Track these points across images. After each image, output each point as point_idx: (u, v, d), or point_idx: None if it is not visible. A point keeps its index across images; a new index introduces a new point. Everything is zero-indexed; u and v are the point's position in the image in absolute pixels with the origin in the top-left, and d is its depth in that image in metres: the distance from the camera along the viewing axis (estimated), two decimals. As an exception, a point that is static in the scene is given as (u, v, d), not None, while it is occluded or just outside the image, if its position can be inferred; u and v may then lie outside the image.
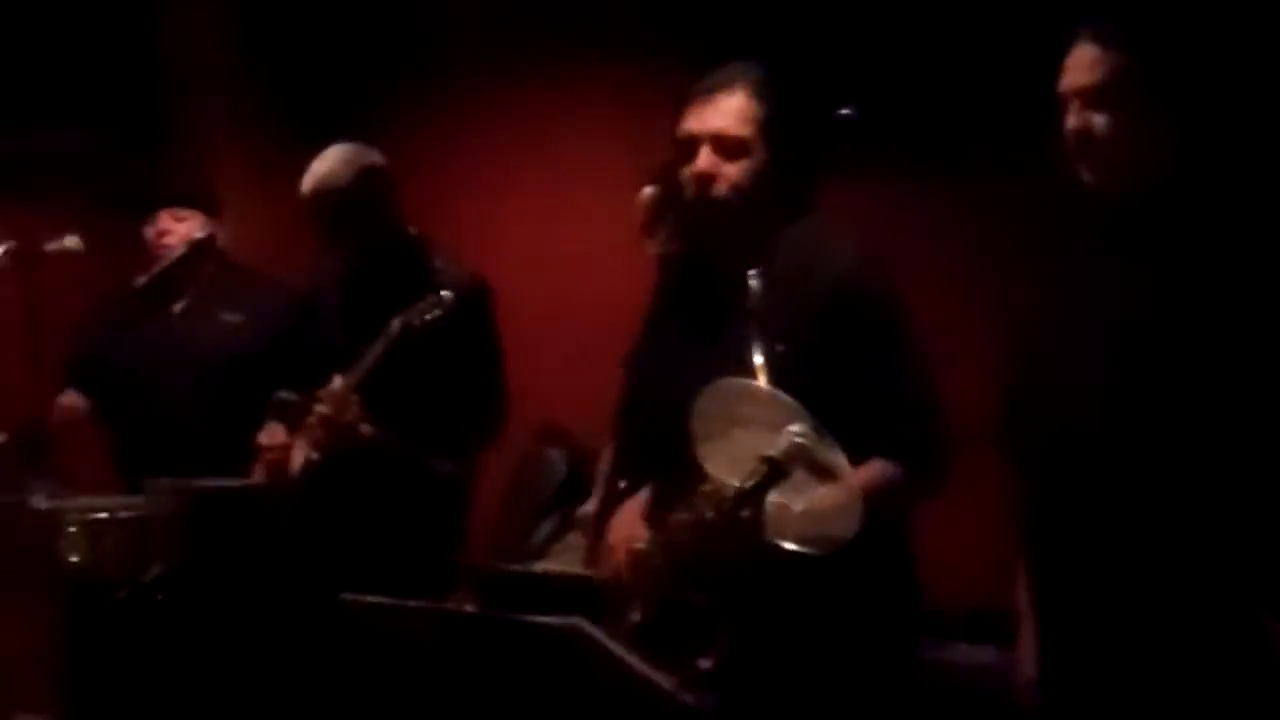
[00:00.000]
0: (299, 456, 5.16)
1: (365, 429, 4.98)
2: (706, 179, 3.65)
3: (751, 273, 3.50)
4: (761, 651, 3.45)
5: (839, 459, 3.17)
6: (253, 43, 7.31)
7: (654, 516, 3.71)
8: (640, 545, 3.65)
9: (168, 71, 7.41)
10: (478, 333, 5.20)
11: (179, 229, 5.86)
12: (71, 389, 5.95)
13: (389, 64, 7.14)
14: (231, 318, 5.81)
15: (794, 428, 3.14)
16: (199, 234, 5.82)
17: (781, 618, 3.49)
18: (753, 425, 3.20)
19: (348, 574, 4.17)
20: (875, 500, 3.28)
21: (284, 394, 5.24)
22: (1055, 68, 3.34)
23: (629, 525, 3.79)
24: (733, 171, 3.65)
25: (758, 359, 3.34)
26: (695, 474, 3.33)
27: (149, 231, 5.88)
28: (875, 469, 3.47)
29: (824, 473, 3.18)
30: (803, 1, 5.96)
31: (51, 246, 5.68)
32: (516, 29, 6.84)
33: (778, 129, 3.64)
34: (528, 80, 6.84)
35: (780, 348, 3.40)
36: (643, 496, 3.87)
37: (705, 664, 3.23)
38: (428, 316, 4.93)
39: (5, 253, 5.57)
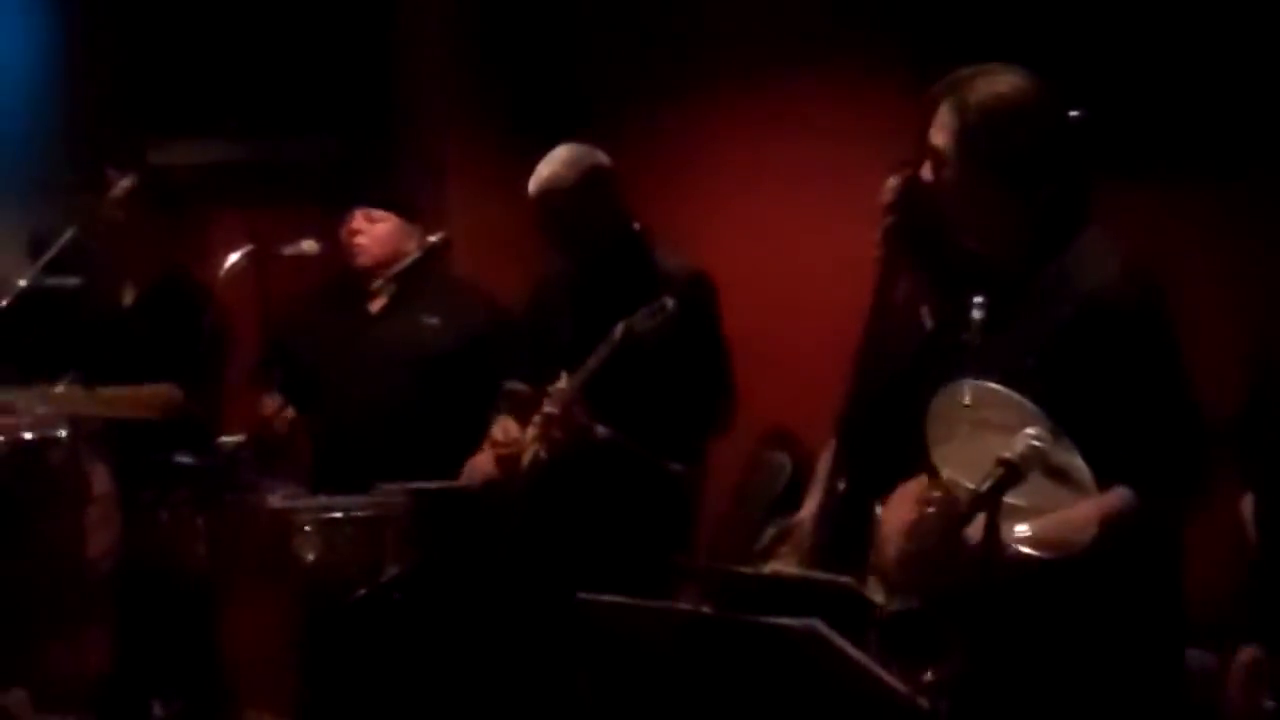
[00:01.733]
0: (529, 453, 5.20)
1: (601, 430, 5.02)
2: (924, 188, 3.64)
3: (976, 300, 3.47)
4: (1003, 659, 3.41)
5: (1076, 462, 3.14)
6: (483, 51, 7.38)
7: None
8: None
9: (401, 79, 7.51)
10: (702, 326, 5.22)
11: (372, 229, 5.89)
12: (268, 390, 5.99)
13: (615, 68, 7.17)
14: (430, 320, 5.85)
15: (1031, 430, 3.11)
16: (433, 238, 5.87)
17: (1025, 624, 3.43)
18: (989, 427, 3.18)
19: (578, 572, 4.21)
20: (1112, 530, 3.22)
21: (514, 385, 5.30)
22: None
23: (903, 512, 3.72)
24: (941, 183, 3.61)
25: (965, 398, 3.29)
26: (930, 476, 3.33)
27: (342, 231, 5.93)
28: (1114, 497, 3.36)
29: (1061, 476, 3.14)
30: (1038, 9, 5.86)
31: (289, 250, 5.77)
32: (740, 33, 6.84)
33: (969, 138, 3.54)
34: (751, 83, 6.83)
35: (1030, 362, 3.34)
36: (920, 481, 3.78)
37: (928, 676, 3.20)
38: (650, 323, 4.95)
39: (243, 256, 5.67)
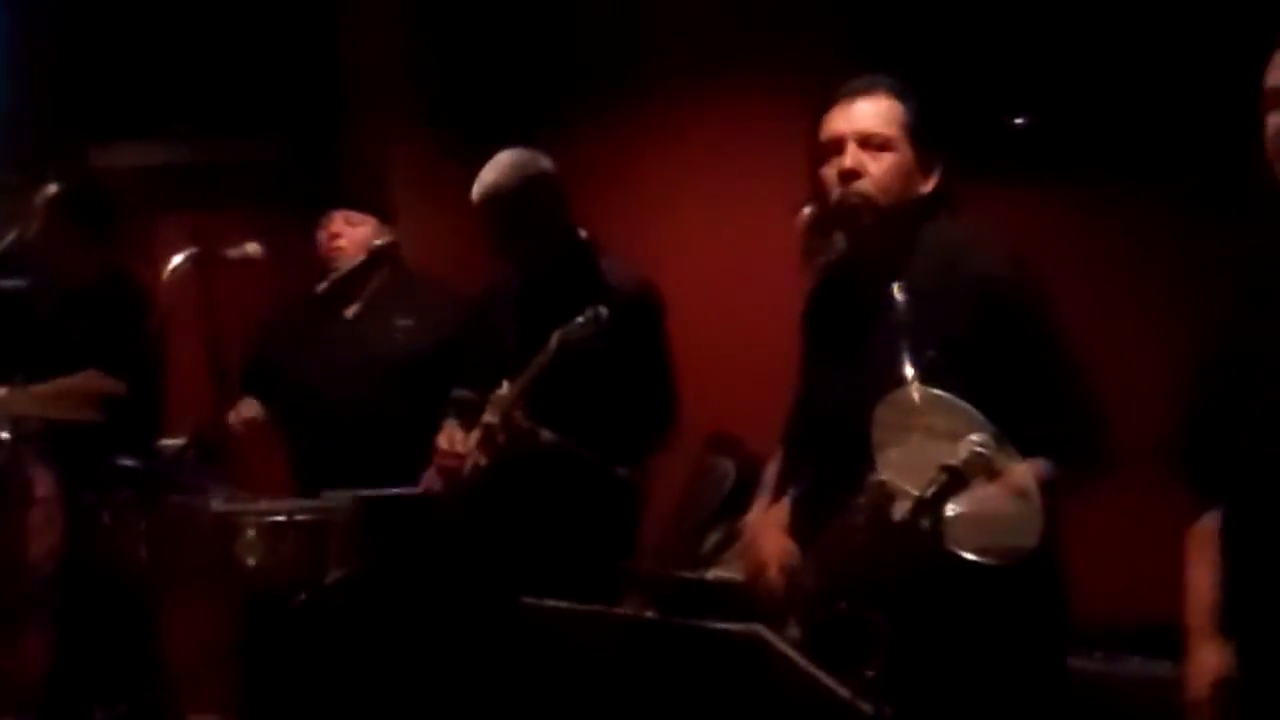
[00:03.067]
0: (469, 460, 5.19)
1: (545, 435, 5.02)
2: (852, 174, 3.71)
3: (896, 285, 3.51)
4: (927, 660, 3.45)
5: (1020, 468, 3.16)
6: (429, 53, 7.38)
7: (806, 528, 3.74)
8: (792, 563, 3.68)
9: (347, 81, 7.51)
10: (645, 338, 5.20)
11: (351, 233, 5.88)
12: (249, 395, 6.00)
13: (563, 74, 7.17)
14: (404, 322, 5.84)
15: (974, 437, 3.12)
16: (378, 241, 5.86)
17: (945, 626, 3.49)
18: (932, 434, 3.20)
19: (522, 578, 4.21)
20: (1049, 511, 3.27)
21: (462, 393, 5.29)
22: (1240, 70, 3.30)
23: (776, 540, 3.83)
24: (877, 168, 3.70)
25: (908, 370, 3.34)
26: (855, 482, 3.36)
27: (321, 234, 5.92)
28: (1034, 468, 3.43)
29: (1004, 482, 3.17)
30: (982, 14, 5.91)
31: (232, 253, 5.75)
32: (687, 37, 6.85)
33: (921, 128, 3.72)
34: (699, 87, 6.85)
35: (932, 353, 3.40)
36: (782, 509, 3.90)
37: (870, 672, 3.21)
38: (583, 332, 4.95)
39: (187, 258, 5.65)
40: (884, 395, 3.30)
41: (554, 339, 4.94)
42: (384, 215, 5.99)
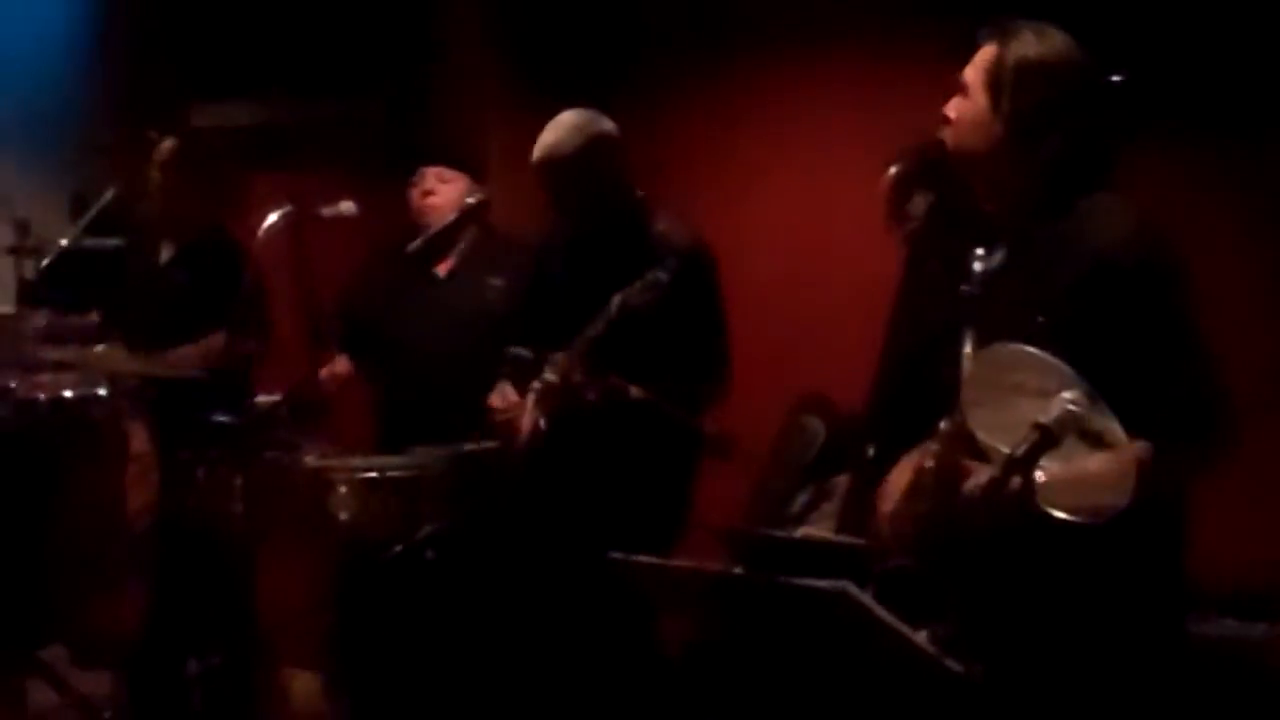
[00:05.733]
0: (528, 420, 5.21)
1: (635, 391, 5.03)
2: (943, 120, 3.66)
3: (977, 252, 3.48)
4: (1023, 620, 3.41)
5: (1112, 426, 3.12)
6: (523, 12, 7.39)
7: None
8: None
9: (442, 42, 7.53)
10: (699, 295, 5.21)
11: (444, 189, 5.90)
12: (339, 352, 6.05)
13: (655, 31, 7.17)
14: (496, 282, 5.85)
15: (1067, 394, 3.10)
16: (471, 199, 5.87)
17: (1045, 586, 3.43)
18: (1024, 391, 3.17)
19: (603, 531, 4.24)
20: (1146, 484, 3.20)
21: (518, 350, 5.32)
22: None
23: (899, 479, 3.77)
24: (953, 113, 3.65)
25: (966, 347, 3.31)
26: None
27: (413, 191, 5.94)
28: (1142, 450, 3.34)
29: (1096, 440, 3.13)
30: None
31: (327, 211, 5.77)
32: (778, 7, 6.84)
33: (997, 78, 3.56)
34: (789, 50, 6.83)
35: (1040, 319, 3.35)
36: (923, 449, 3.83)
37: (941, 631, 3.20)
38: (644, 297, 4.96)
39: (282, 217, 5.68)
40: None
41: (614, 303, 4.96)
42: (475, 173, 6.00)
